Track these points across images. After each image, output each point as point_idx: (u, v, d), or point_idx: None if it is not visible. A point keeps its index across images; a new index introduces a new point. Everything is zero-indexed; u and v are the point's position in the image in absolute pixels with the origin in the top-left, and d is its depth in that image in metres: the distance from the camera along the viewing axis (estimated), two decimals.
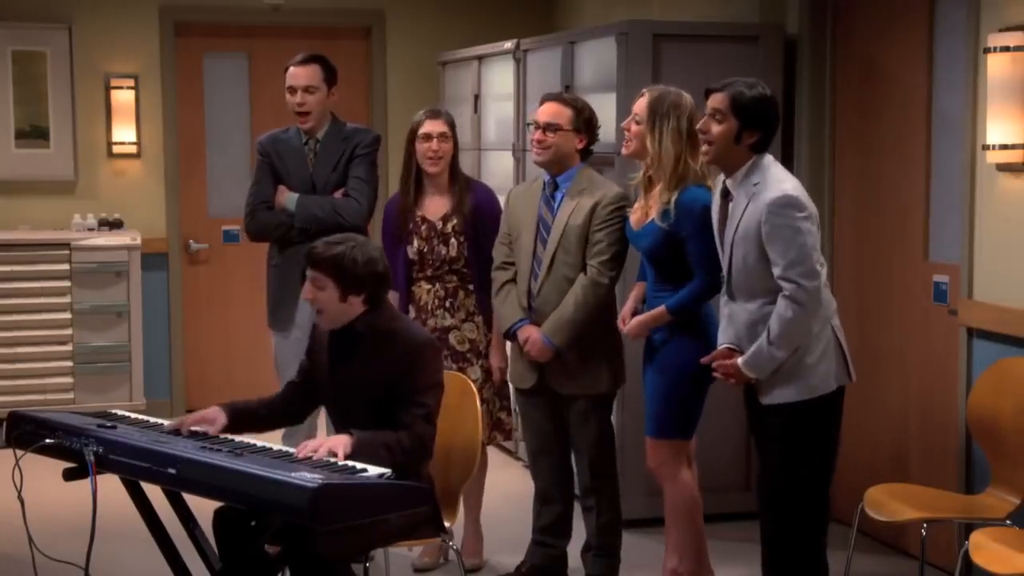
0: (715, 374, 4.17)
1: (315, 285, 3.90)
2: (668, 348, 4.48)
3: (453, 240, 5.01)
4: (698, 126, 4.15)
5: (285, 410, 4.13)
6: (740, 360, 4.06)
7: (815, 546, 4.13)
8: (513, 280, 4.77)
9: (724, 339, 4.18)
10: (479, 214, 5.01)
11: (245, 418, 4.01)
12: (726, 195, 4.13)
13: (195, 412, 3.96)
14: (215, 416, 3.93)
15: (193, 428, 3.87)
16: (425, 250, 5.03)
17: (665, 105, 4.40)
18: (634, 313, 4.59)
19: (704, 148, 4.13)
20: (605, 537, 4.80)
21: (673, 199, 4.36)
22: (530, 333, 4.65)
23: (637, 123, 4.47)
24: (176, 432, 3.83)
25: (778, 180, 4.02)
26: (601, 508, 4.78)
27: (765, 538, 4.21)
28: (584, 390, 4.67)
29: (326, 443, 3.68)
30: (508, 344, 4.88)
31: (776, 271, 3.96)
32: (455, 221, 5.01)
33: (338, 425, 4.00)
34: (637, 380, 4.76)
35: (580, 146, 4.70)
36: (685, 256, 4.40)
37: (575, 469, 4.86)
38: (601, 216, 4.60)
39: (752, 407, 4.17)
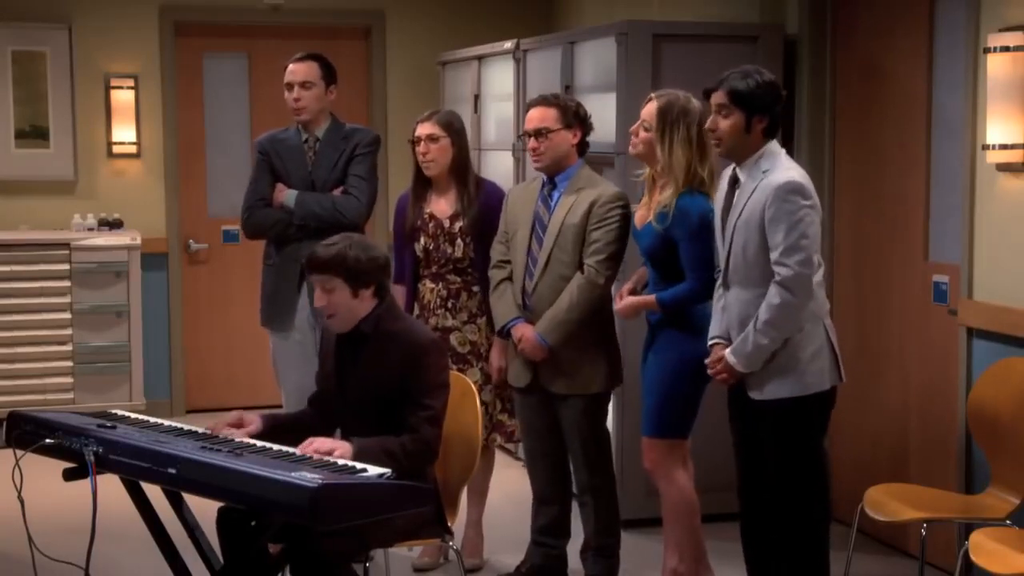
0: (709, 371, 4.17)
1: (324, 289, 3.89)
2: (665, 347, 4.48)
3: (459, 240, 5.00)
4: (707, 125, 4.15)
5: (321, 422, 4.07)
6: (727, 351, 4.05)
7: (817, 546, 4.13)
8: (509, 278, 4.76)
9: (715, 331, 4.17)
10: (486, 214, 4.99)
11: (280, 428, 3.98)
12: (734, 183, 4.13)
13: (232, 413, 3.97)
14: (251, 420, 3.94)
15: (224, 432, 3.85)
16: (431, 248, 5.03)
17: (675, 112, 4.39)
18: (632, 293, 4.60)
19: (715, 143, 4.13)
20: (603, 537, 4.79)
21: (673, 202, 4.37)
22: (524, 331, 4.64)
23: (646, 130, 4.46)
24: (209, 434, 3.80)
25: (786, 168, 4.03)
26: (598, 508, 4.77)
27: (750, 539, 4.22)
28: (577, 390, 4.66)
29: (329, 448, 3.66)
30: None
31: (773, 255, 3.95)
32: (462, 222, 5.00)
33: (346, 429, 4.00)
34: (636, 379, 4.76)
35: (575, 141, 4.68)
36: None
37: (572, 469, 4.86)
38: (598, 215, 4.59)
39: (739, 405, 4.16)
